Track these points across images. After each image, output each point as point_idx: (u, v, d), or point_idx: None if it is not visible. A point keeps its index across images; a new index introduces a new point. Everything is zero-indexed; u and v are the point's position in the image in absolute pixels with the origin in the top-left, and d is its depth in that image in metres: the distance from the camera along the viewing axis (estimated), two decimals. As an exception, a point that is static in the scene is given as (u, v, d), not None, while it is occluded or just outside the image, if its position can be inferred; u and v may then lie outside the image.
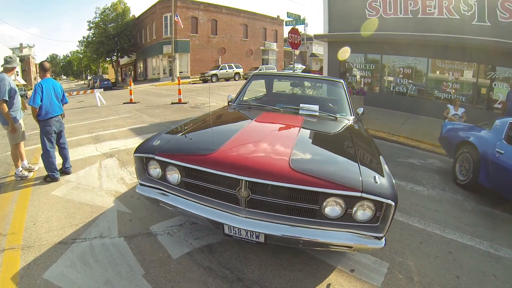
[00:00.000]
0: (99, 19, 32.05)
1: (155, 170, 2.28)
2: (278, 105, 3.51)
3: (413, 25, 9.79)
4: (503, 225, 3.42)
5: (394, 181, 1.91)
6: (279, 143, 2.30)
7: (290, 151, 2.08)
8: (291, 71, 12.82)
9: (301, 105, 3.40)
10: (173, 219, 2.92)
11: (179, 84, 12.00)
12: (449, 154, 5.26)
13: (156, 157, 2.18)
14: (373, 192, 1.73)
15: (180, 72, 25.50)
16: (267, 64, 31.87)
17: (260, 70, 24.40)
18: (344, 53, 10.45)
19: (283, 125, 2.89)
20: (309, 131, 2.81)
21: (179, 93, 11.77)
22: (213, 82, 22.84)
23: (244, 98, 3.93)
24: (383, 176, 1.89)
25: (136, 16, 34.61)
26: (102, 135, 6.47)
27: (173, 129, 2.78)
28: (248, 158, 1.98)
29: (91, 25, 32.71)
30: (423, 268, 2.42)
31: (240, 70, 25.70)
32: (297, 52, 42.28)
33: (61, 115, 4.00)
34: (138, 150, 2.32)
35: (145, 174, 2.35)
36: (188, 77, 26.11)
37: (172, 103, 11.55)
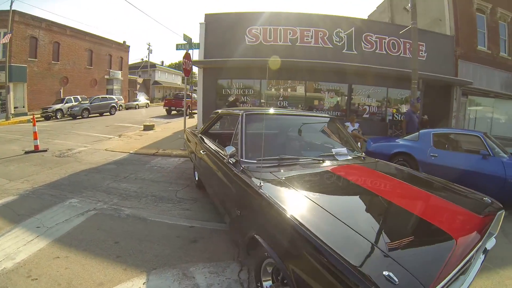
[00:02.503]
0: None
1: None
2: (307, 154, 2.79)
3: (291, 52, 10.96)
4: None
5: None
6: (431, 204, 2.05)
7: (454, 206, 1.97)
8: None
9: (333, 150, 2.80)
10: None
11: (34, 125, 8.80)
12: None
13: None
14: (500, 207, 2.06)
15: (15, 108, 19.14)
16: (112, 94, 27.71)
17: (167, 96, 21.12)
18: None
19: (384, 183, 2.34)
20: (404, 179, 2.51)
21: (35, 138, 8.62)
22: (58, 119, 18.42)
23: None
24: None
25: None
26: None
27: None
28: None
29: None
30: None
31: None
32: (140, 80, 39.99)
33: None
34: None
35: None
36: (26, 113, 19.95)
37: (26, 152, 8.26)
